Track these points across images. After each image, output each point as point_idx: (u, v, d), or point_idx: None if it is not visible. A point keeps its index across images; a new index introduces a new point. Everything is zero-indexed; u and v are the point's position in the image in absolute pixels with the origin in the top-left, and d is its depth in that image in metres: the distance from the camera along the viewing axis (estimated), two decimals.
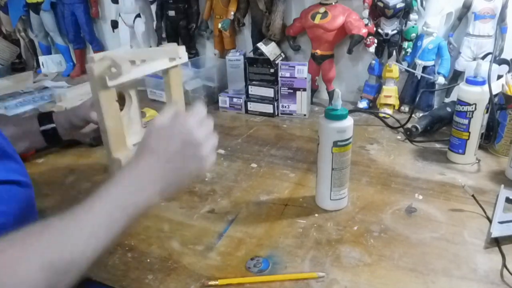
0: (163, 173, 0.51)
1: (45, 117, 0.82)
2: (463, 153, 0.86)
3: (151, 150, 0.52)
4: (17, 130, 0.80)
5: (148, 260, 0.62)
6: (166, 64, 0.76)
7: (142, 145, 0.54)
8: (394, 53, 1.12)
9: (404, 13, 1.07)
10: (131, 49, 0.77)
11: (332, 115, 0.66)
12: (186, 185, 0.54)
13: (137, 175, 0.50)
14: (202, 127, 0.56)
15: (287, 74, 1.11)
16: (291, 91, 1.12)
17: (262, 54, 1.19)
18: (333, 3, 1.11)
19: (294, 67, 1.10)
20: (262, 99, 1.16)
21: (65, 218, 0.44)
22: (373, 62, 1.15)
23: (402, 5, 1.04)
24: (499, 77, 0.95)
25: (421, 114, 1.07)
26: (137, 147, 0.54)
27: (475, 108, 0.81)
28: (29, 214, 0.57)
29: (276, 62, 1.18)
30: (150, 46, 1.44)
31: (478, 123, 0.83)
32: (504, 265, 0.58)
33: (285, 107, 1.15)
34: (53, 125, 0.81)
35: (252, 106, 1.18)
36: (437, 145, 0.95)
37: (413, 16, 1.07)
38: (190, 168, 0.54)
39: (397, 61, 1.12)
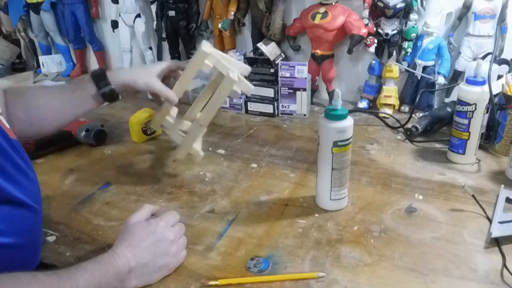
0: (135, 265, 0.55)
1: (100, 78, 0.76)
2: (463, 153, 0.86)
3: (128, 243, 0.57)
4: (69, 97, 0.76)
5: None
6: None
7: (120, 238, 0.58)
8: (394, 53, 1.12)
9: (404, 13, 1.07)
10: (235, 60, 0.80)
11: (332, 115, 0.66)
12: (155, 281, 0.58)
13: (116, 265, 0.54)
14: (174, 228, 0.61)
15: (287, 74, 1.11)
16: (291, 91, 1.12)
17: (262, 54, 1.19)
18: (333, 3, 1.11)
19: (294, 67, 1.10)
20: (262, 99, 1.16)
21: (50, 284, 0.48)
22: (373, 62, 1.15)
23: (402, 5, 1.04)
24: (499, 77, 0.95)
25: (421, 114, 1.07)
26: (116, 239, 0.58)
27: (475, 108, 0.81)
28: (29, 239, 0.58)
29: (276, 62, 1.18)
30: (150, 47, 1.44)
31: (478, 123, 0.83)
32: (504, 265, 0.58)
33: (285, 107, 1.15)
34: (111, 87, 0.76)
35: (252, 106, 1.18)
36: (437, 145, 0.95)
37: (413, 16, 1.07)
38: (159, 264, 0.57)
39: (397, 61, 1.12)
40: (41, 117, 0.73)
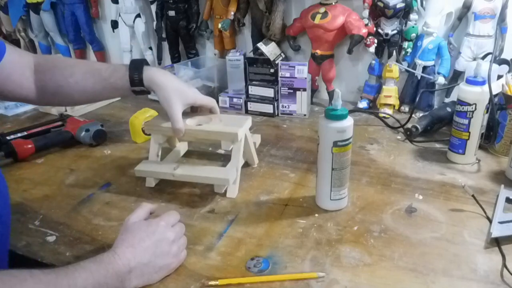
0: (135, 265, 0.55)
1: (137, 76, 0.75)
2: (463, 153, 0.86)
3: (128, 244, 0.57)
4: (102, 84, 0.76)
5: None
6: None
7: (121, 238, 0.58)
8: (394, 53, 1.12)
9: (404, 13, 1.07)
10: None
11: (332, 115, 0.66)
12: (155, 281, 0.57)
13: (116, 265, 0.54)
14: (174, 228, 0.61)
15: (287, 74, 1.11)
16: (291, 91, 1.12)
17: (262, 54, 1.19)
18: (333, 3, 1.11)
19: (294, 67, 1.09)
20: (262, 99, 1.16)
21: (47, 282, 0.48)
22: (373, 62, 1.15)
23: (402, 5, 1.04)
24: (499, 77, 0.95)
25: (421, 114, 1.06)
26: (116, 239, 0.58)
27: (475, 108, 0.81)
28: None
29: (276, 62, 1.18)
30: (150, 47, 1.44)
31: (478, 123, 0.83)
32: (504, 265, 0.58)
33: (285, 107, 1.15)
34: (143, 89, 0.76)
35: (252, 106, 1.18)
36: (437, 145, 0.95)
37: (413, 16, 1.07)
38: (160, 264, 0.57)
39: (397, 61, 1.12)
40: (68, 93, 0.75)
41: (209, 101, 0.83)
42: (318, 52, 1.15)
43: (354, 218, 0.70)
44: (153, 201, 0.77)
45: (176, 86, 0.77)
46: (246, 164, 0.89)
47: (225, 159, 0.92)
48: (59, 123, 1.06)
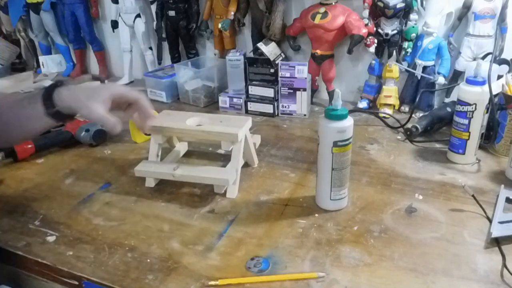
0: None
1: (47, 97, 0.67)
2: (463, 153, 0.86)
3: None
4: (23, 113, 0.69)
5: (148, 260, 0.62)
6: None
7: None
8: (394, 53, 1.12)
9: (404, 13, 1.07)
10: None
11: (332, 115, 0.66)
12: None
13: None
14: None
15: (287, 74, 1.11)
16: (291, 91, 1.12)
17: (262, 54, 1.19)
18: (333, 3, 1.11)
19: (294, 67, 1.10)
20: (262, 99, 1.16)
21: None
22: (373, 62, 1.15)
23: (402, 5, 1.04)
24: (499, 77, 0.95)
25: (421, 114, 1.06)
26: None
27: (475, 108, 0.81)
28: None
29: (276, 62, 1.18)
30: (150, 47, 1.44)
31: (478, 123, 0.83)
32: (504, 265, 0.58)
33: (285, 107, 1.15)
34: (56, 109, 0.67)
35: (252, 106, 1.18)
36: (437, 145, 0.95)
37: (413, 16, 1.07)
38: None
39: (397, 61, 1.12)
40: None
41: (129, 93, 0.72)
42: (318, 52, 1.15)
43: (354, 218, 0.70)
44: (153, 201, 0.77)
45: (85, 94, 0.68)
46: (246, 164, 0.89)
47: (225, 159, 0.92)
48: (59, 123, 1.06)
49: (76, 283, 0.61)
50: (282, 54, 1.24)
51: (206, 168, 0.82)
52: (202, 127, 0.81)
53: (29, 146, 0.94)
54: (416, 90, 1.12)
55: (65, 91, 0.68)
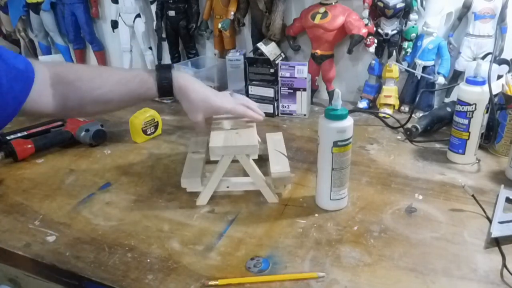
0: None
1: (167, 86, 0.76)
2: (463, 153, 0.86)
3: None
4: (129, 94, 0.75)
5: (148, 260, 0.62)
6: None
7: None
8: (394, 53, 1.12)
9: (404, 13, 1.07)
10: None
11: (332, 115, 0.66)
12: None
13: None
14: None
15: (287, 74, 1.11)
16: (291, 91, 1.12)
17: (262, 54, 1.19)
18: (333, 3, 1.11)
19: (294, 67, 1.10)
20: (262, 99, 1.16)
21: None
22: (373, 62, 1.15)
23: (402, 5, 1.04)
24: (499, 77, 0.95)
25: (421, 114, 1.06)
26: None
27: (475, 108, 0.81)
28: None
29: (276, 62, 1.18)
30: (150, 47, 1.44)
31: (478, 123, 0.83)
32: (504, 265, 0.58)
33: (285, 107, 1.15)
34: (172, 98, 0.78)
35: None
36: (437, 145, 0.95)
37: (413, 16, 1.07)
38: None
39: (397, 61, 1.12)
40: (91, 106, 0.74)
41: (234, 111, 0.80)
42: (318, 52, 1.15)
43: (354, 218, 0.70)
44: (153, 201, 0.77)
45: (202, 97, 0.78)
46: None
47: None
48: (59, 123, 1.06)
49: (76, 283, 0.61)
50: (282, 54, 1.24)
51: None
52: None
53: (29, 146, 0.94)
54: (416, 90, 1.12)
55: (187, 83, 0.78)
